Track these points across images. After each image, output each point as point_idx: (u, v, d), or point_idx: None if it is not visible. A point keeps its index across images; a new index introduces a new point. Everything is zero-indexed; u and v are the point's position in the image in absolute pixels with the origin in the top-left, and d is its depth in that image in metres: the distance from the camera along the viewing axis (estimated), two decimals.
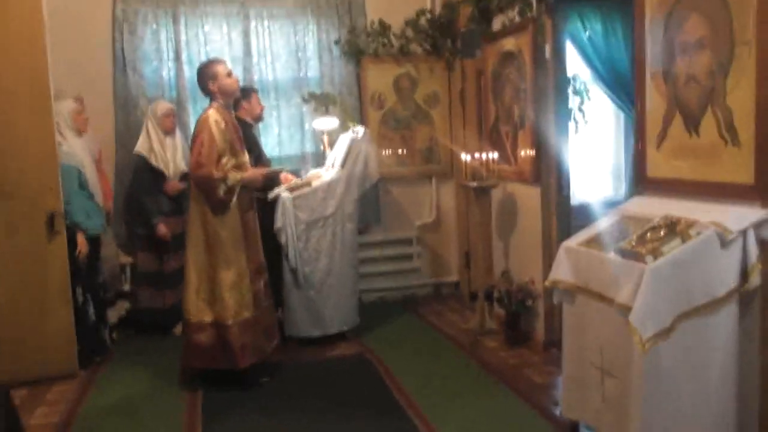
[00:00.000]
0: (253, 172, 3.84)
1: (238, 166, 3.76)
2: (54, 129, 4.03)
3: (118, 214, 5.01)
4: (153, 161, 4.69)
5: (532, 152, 4.23)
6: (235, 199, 3.69)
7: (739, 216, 2.55)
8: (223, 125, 3.67)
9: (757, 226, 2.53)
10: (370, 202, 5.39)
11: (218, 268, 3.67)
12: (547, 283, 3.12)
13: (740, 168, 2.61)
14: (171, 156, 4.77)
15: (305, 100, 5.26)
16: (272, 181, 4.34)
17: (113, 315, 4.90)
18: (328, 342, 4.50)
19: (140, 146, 4.72)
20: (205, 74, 3.77)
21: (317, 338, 4.49)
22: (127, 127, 5.01)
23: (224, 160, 3.66)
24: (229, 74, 3.80)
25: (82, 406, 3.68)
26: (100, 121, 4.94)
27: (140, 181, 4.72)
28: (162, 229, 4.65)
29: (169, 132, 4.78)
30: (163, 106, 4.79)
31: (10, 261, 3.93)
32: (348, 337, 4.60)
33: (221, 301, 3.67)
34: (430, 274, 5.80)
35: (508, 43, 4.42)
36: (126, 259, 5.14)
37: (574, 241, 3.04)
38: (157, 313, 4.77)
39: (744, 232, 2.52)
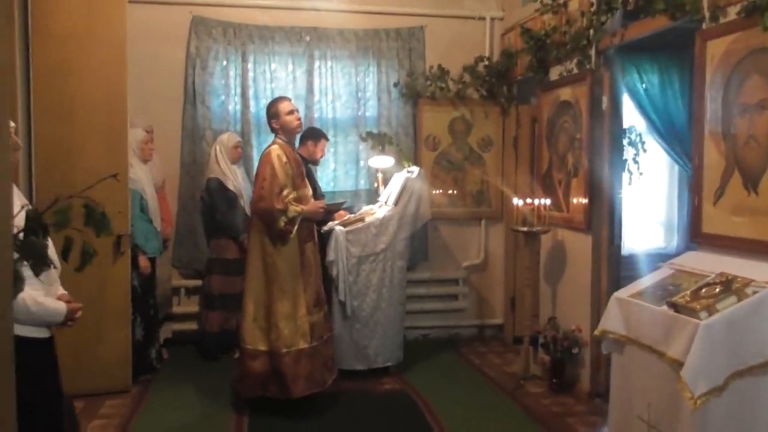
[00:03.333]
0: (313, 205, 3.98)
1: (299, 199, 3.90)
2: (127, 156, 4.27)
3: (182, 239, 5.24)
4: (228, 184, 4.91)
5: (584, 200, 4.26)
6: (295, 230, 3.81)
7: None
8: (284, 159, 3.84)
9: None
10: (419, 240, 5.47)
11: (274, 298, 3.78)
12: (597, 333, 3.13)
13: None
14: (240, 183, 4.99)
15: (362, 139, 5.44)
16: (331, 213, 4.48)
17: (162, 335, 5.03)
18: (371, 376, 4.56)
19: (214, 172, 4.94)
20: (270, 112, 3.99)
21: (360, 371, 4.56)
22: (193, 158, 5.26)
23: (285, 192, 3.81)
24: (291, 112, 3.95)
25: (134, 421, 3.83)
26: (168, 150, 5.19)
27: (221, 201, 4.90)
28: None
29: (235, 162, 5.03)
30: (234, 137, 5.06)
31: (78, 280, 4.11)
32: (391, 373, 4.65)
33: (276, 330, 3.77)
34: (474, 315, 5.83)
35: (565, 93, 4.51)
36: (179, 282, 5.34)
37: (625, 293, 3.05)
38: (228, 334, 4.87)
39: None
